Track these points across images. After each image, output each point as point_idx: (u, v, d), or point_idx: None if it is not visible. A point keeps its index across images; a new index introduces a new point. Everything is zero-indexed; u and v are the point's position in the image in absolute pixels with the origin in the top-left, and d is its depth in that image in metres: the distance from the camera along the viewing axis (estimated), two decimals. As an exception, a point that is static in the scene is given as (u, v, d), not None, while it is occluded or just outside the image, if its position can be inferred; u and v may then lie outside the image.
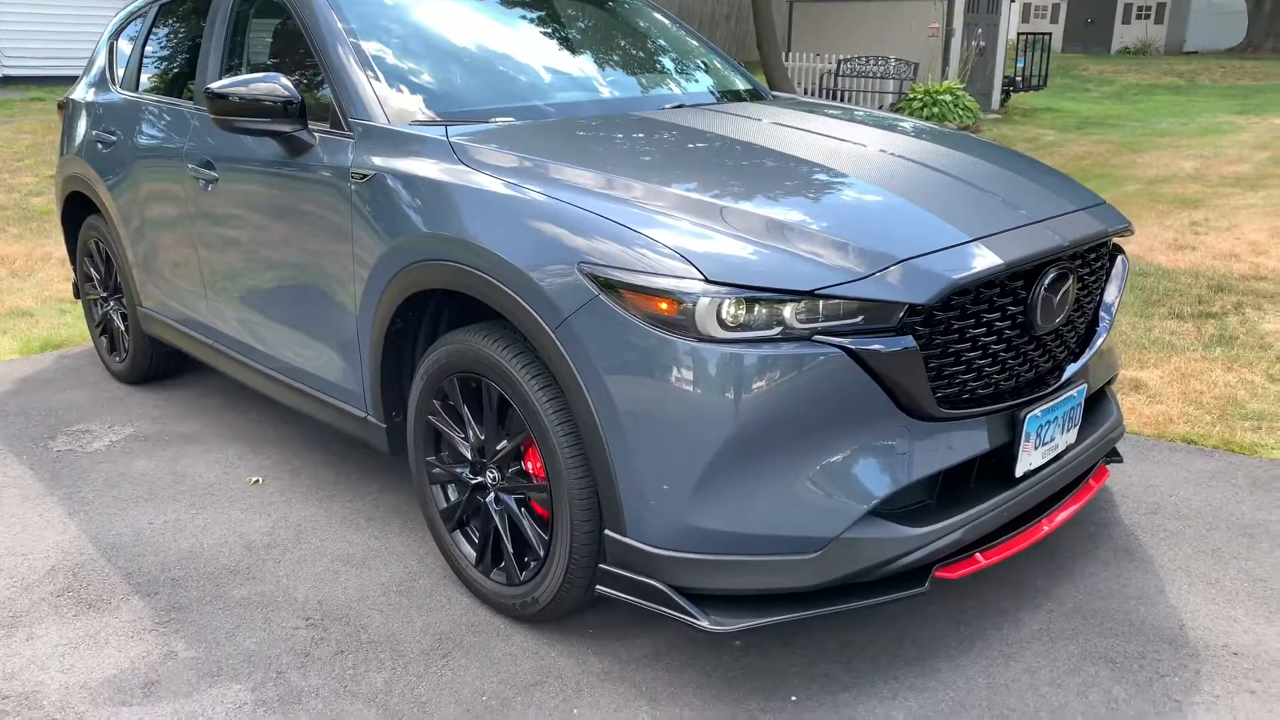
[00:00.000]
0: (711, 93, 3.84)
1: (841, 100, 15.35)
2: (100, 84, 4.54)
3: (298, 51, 3.28)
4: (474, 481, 2.74)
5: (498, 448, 2.63)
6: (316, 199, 3.04)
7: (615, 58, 3.92)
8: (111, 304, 4.62)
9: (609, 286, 2.23)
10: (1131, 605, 2.76)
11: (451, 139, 2.78)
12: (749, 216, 2.36)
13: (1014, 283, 2.42)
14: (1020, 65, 17.39)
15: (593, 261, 2.26)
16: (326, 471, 3.67)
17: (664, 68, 3.98)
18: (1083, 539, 3.10)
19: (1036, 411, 2.51)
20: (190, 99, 3.83)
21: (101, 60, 4.61)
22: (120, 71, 4.44)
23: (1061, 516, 2.74)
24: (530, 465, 2.59)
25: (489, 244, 2.46)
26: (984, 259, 2.30)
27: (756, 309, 2.16)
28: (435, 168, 2.71)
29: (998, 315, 2.40)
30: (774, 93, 4.02)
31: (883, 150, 2.98)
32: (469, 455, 2.74)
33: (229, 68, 3.66)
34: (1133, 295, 5.79)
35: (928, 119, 13.48)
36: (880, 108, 14.80)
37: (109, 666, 2.58)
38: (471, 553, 2.80)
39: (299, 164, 3.09)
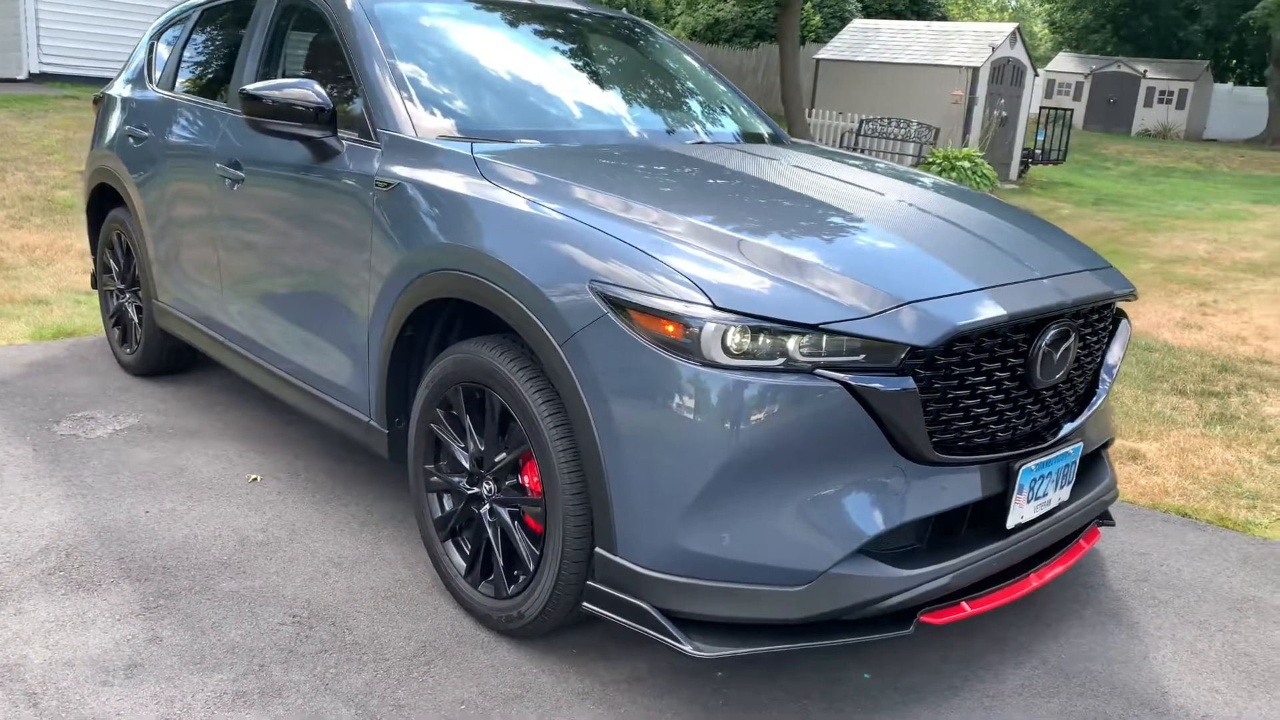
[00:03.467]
0: (734, 134, 3.91)
1: (862, 159, 15.50)
2: (137, 81, 4.63)
3: (333, 62, 3.35)
4: (470, 492, 2.76)
5: (496, 459, 2.65)
6: (338, 204, 3.09)
7: (642, 93, 4.00)
8: (127, 296, 4.67)
9: (618, 306, 2.27)
10: (1114, 668, 2.77)
11: (476, 154, 2.84)
12: (762, 250, 2.40)
13: (1016, 335, 2.46)
14: (1041, 138, 17.57)
15: (604, 280, 2.31)
16: (325, 475, 3.70)
17: (689, 107, 4.05)
18: (1070, 600, 3.11)
19: (1031, 465, 2.54)
20: (224, 101, 3.91)
21: (140, 59, 4.71)
22: (158, 72, 4.53)
23: (1051, 573, 2.76)
24: (527, 479, 2.62)
25: (503, 257, 2.51)
26: (988, 309, 2.34)
27: (761, 338, 2.20)
28: (458, 180, 2.76)
29: (998, 366, 2.43)
30: (794, 139, 4.09)
31: (899, 200, 3.03)
32: (467, 465, 2.76)
33: (264, 74, 3.74)
34: (1137, 369, 5.82)
35: (946, 183, 13.58)
36: (900, 169, 14.93)
37: (94, 646, 2.59)
38: (461, 563, 2.82)
39: (324, 169, 3.15)
